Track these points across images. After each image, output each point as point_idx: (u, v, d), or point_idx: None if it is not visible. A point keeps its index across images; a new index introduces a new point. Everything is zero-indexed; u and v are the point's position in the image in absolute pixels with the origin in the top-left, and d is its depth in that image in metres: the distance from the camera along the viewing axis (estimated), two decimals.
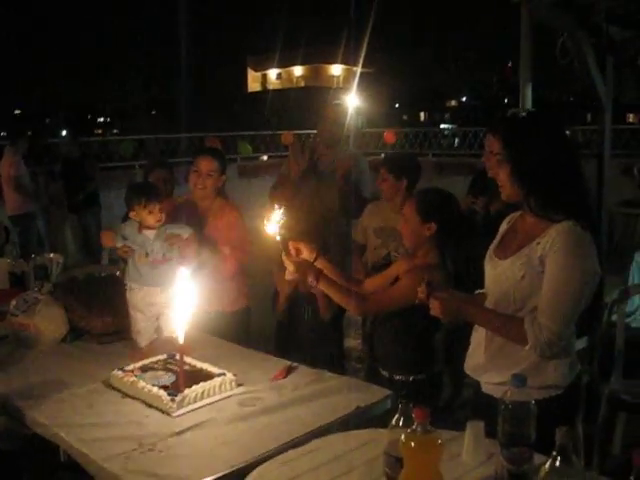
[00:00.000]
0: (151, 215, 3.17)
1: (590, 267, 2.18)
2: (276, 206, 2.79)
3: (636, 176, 10.21)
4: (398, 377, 2.98)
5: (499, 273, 2.33)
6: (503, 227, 2.50)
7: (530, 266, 2.22)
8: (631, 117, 42.51)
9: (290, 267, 2.80)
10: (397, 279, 3.01)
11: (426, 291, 2.37)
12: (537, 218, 2.27)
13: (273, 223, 2.76)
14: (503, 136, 2.27)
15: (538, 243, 2.22)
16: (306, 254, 2.91)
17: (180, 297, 2.64)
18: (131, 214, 3.21)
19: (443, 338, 3.06)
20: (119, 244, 3.22)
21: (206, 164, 3.70)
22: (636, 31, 4.98)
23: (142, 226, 3.19)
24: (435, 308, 2.34)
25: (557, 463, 1.56)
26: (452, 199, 2.99)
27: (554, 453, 1.57)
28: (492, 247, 2.46)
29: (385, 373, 3.04)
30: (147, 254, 3.17)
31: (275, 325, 4.14)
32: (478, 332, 2.41)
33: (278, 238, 2.78)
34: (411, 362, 2.99)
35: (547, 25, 4.67)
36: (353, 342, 5.47)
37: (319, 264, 2.93)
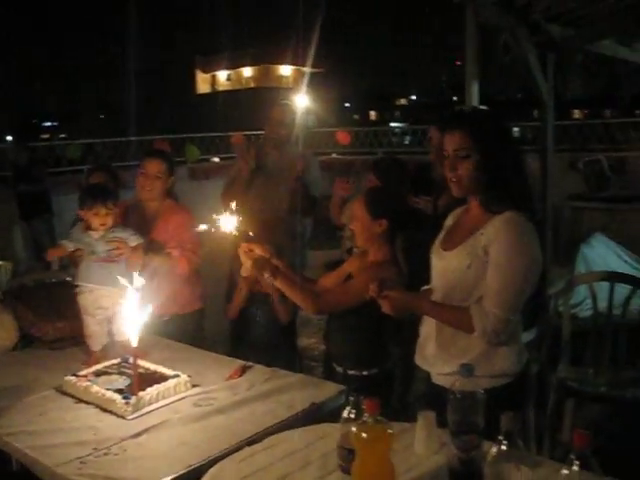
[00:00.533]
0: (96, 217, 3.17)
1: (534, 255, 2.26)
2: (231, 204, 2.79)
3: (581, 170, 10.47)
4: (352, 372, 3.01)
5: (445, 265, 2.39)
6: (449, 222, 2.57)
7: (475, 255, 2.28)
8: (577, 113, 43.47)
9: (247, 263, 2.81)
10: (350, 277, 3.05)
11: (377, 289, 2.42)
12: (481, 210, 2.34)
13: (229, 221, 2.77)
14: (471, 131, 2.32)
15: (482, 234, 2.28)
16: (259, 251, 2.93)
17: (132, 300, 2.64)
18: (80, 213, 3.23)
19: (395, 333, 3.11)
20: (71, 248, 3.23)
21: (153, 166, 3.69)
22: (575, 29, 5.13)
23: (88, 227, 3.18)
24: (386, 305, 2.39)
25: (503, 447, 1.62)
26: (401, 196, 3.06)
27: (500, 438, 1.63)
28: (438, 241, 2.53)
29: (340, 369, 3.07)
30: (93, 252, 3.17)
31: (229, 326, 4.14)
32: (427, 324, 2.47)
33: (235, 234, 2.79)
34: (364, 357, 3.03)
35: (490, 24, 4.78)
36: (307, 341, 5.50)
37: (273, 261, 2.96)
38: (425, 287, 2.59)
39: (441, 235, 2.54)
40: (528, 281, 2.25)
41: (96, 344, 3.13)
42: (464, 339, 2.32)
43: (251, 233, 2.89)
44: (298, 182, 4.16)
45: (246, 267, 2.81)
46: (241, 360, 3.04)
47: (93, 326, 3.14)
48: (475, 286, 2.30)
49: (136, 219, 3.64)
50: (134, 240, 3.27)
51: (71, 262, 3.40)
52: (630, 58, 6.40)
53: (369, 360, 3.03)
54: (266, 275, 2.83)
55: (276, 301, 3.57)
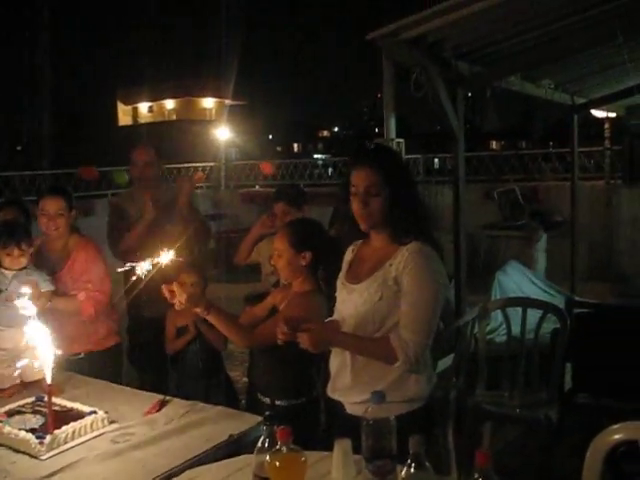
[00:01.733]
0: (9, 257, 3.13)
1: (441, 280, 2.39)
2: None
3: (496, 200, 10.82)
4: (279, 402, 3.02)
5: (355, 297, 2.46)
6: (348, 256, 2.63)
7: (386, 287, 2.36)
8: (494, 144, 44.97)
9: (182, 297, 2.77)
10: (274, 309, 3.08)
11: (287, 329, 2.45)
12: (387, 242, 2.43)
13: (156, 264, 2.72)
14: (381, 167, 2.39)
15: (391, 265, 2.37)
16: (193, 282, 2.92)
17: (38, 339, 2.60)
18: None
19: (319, 362, 3.14)
20: None
21: (53, 204, 3.60)
22: (483, 66, 5.37)
23: (1, 265, 3.13)
24: (304, 341, 2.42)
25: (412, 470, 1.67)
26: (321, 227, 3.12)
27: (408, 461, 1.68)
28: (342, 275, 2.60)
29: (267, 400, 3.06)
30: (0, 291, 3.11)
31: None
32: (339, 355, 2.52)
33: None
34: (291, 387, 3.04)
35: (402, 61, 4.95)
36: (230, 374, 5.47)
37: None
38: (329, 319, 2.65)
39: (343, 270, 2.61)
40: (439, 306, 2.37)
41: (1, 383, 3.05)
42: (377, 368, 2.38)
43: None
44: (190, 208, 4.17)
45: (180, 301, 2.76)
46: (162, 395, 3.01)
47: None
48: (388, 316, 2.37)
49: (45, 257, 3.59)
50: (45, 286, 3.25)
51: None
52: (536, 93, 6.74)
53: (296, 390, 3.04)
54: (199, 309, 2.82)
55: (206, 331, 3.58)
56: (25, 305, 2.98)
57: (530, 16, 4.71)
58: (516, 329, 4.18)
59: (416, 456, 1.68)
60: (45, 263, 3.50)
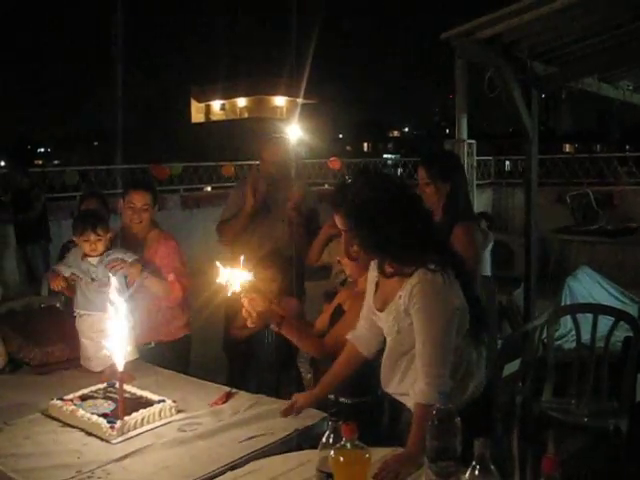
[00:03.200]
0: (86, 244, 3.25)
1: (447, 306, 2.28)
2: (241, 259, 2.73)
3: (569, 204, 10.59)
4: (343, 399, 3.03)
5: (382, 324, 2.46)
6: (373, 274, 2.56)
7: (400, 319, 2.34)
8: (567, 147, 43.95)
9: (253, 314, 2.77)
10: (339, 308, 3.09)
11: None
12: (395, 270, 2.38)
13: (232, 275, 2.71)
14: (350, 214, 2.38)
15: (400, 297, 2.33)
16: (260, 304, 2.87)
17: (119, 326, 2.68)
18: (74, 238, 3.32)
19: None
20: (67, 273, 3.30)
21: (140, 198, 3.71)
22: (558, 67, 5.25)
23: (84, 253, 3.25)
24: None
25: (476, 472, 1.66)
26: None
27: (473, 463, 1.67)
28: (369, 295, 2.57)
29: (331, 396, 3.07)
30: (92, 279, 3.24)
31: (230, 350, 4.11)
32: (388, 359, 2.51)
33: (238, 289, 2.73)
34: (355, 385, 3.05)
35: (475, 61, 4.89)
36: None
37: (277, 309, 2.95)
38: (348, 336, 2.66)
39: (371, 289, 2.57)
40: (449, 331, 2.28)
41: (97, 366, 3.16)
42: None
43: (252, 275, 2.83)
44: (295, 214, 4.15)
45: (252, 318, 2.79)
46: (228, 387, 3.06)
47: (92, 349, 3.19)
48: (411, 344, 2.34)
49: (125, 248, 3.68)
50: (130, 257, 3.35)
51: (63, 288, 3.44)
52: (613, 95, 6.56)
53: (360, 388, 3.04)
54: (272, 326, 2.86)
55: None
56: (119, 287, 3.11)
57: (608, 16, 4.59)
58: (586, 336, 4.08)
59: (481, 458, 1.66)
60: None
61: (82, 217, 3.45)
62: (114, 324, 2.71)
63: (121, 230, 3.82)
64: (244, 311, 2.81)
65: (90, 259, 3.28)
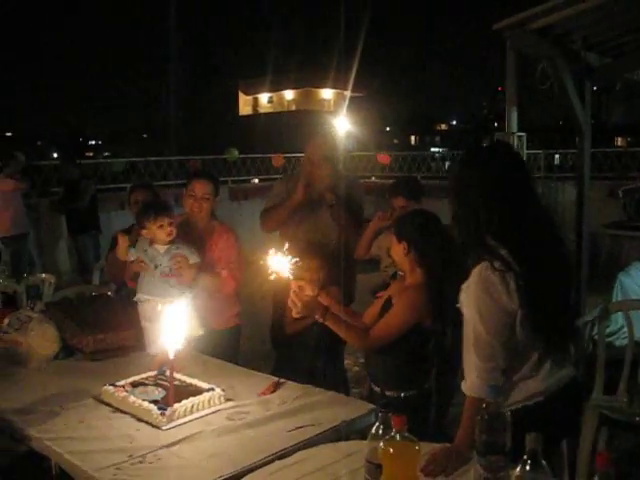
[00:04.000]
0: (161, 229, 3.33)
1: (491, 306, 2.20)
2: (285, 246, 2.79)
3: (620, 198, 10.36)
4: (389, 393, 3.02)
5: None
6: None
7: (463, 309, 2.31)
8: (619, 140, 42.98)
9: (298, 304, 2.82)
10: (389, 300, 3.08)
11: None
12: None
13: (282, 262, 2.77)
14: None
15: (462, 288, 2.30)
16: (309, 291, 2.93)
17: (176, 315, 2.73)
18: (143, 232, 3.38)
19: (432, 356, 3.13)
20: (132, 257, 3.40)
21: (201, 187, 3.76)
22: (613, 58, 5.14)
23: (153, 241, 3.35)
24: None
25: (527, 467, 1.64)
26: (430, 219, 3.07)
27: (524, 458, 1.65)
28: None
29: (377, 389, 3.08)
30: (155, 267, 3.33)
31: (279, 340, 4.14)
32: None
33: (287, 276, 2.78)
34: (403, 379, 3.04)
35: (528, 52, 4.81)
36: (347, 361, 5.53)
37: (322, 299, 3.01)
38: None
39: None
40: (500, 330, 2.21)
41: (156, 348, 3.19)
42: None
43: (299, 263, 2.86)
44: (331, 195, 4.13)
45: (297, 309, 2.82)
46: (277, 377, 3.09)
47: (152, 333, 3.24)
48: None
49: (184, 238, 3.71)
50: (193, 258, 3.42)
51: (125, 274, 3.53)
52: None
53: (407, 381, 3.04)
54: (317, 317, 2.87)
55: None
56: (178, 278, 3.25)
57: None
58: (638, 333, 3.99)
59: (533, 454, 1.64)
60: (186, 241, 3.61)
61: (153, 205, 3.52)
62: (173, 311, 2.76)
63: (181, 220, 3.86)
64: (289, 301, 2.85)
65: (158, 247, 3.36)
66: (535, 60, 4.86)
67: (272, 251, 2.76)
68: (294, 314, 2.85)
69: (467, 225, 2.28)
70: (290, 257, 2.78)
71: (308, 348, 3.71)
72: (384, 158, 16.07)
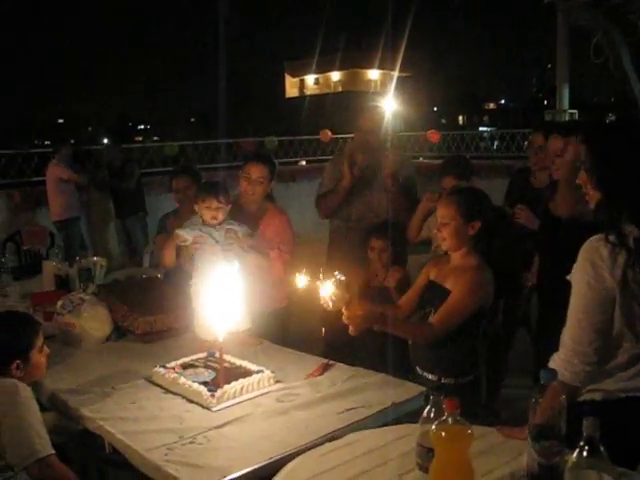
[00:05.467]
0: (208, 210, 3.34)
1: (591, 278, 2.04)
2: (337, 275, 2.62)
3: None
4: (445, 381, 2.91)
5: None
6: None
7: None
8: None
9: (355, 324, 2.67)
10: (427, 284, 3.02)
11: None
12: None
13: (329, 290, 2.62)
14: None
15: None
16: (356, 308, 2.71)
17: (227, 296, 2.73)
18: (195, 206, 3.42)
19: (484, 342, 3.06)
20: (190, 236, 3.35)
21: (256, 171, 3.76)
22: None
23: (203, 221, 3.37)
24: None
25: (584, 454, 1.59)
26: (487, 198, 3.01)
27: (581, 444, 1.60)
28: None
29: (433, 377, 2.95)
30: (216, 242, 3.33)
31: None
32: None
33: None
34: (458, 366, 2.97)
35: (582, 26, 4.67)
36: None
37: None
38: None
39: None
40: (590, 308, 2.05)
41: (206, 333, 3.16)
42: None
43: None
44: (391, 181, 4.09)
45: (355, 326, 2.72)
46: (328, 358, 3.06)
47: (203, 315, 3.22)
48: None
49: (235, 219, 3.72)
50: (244, 231, 3.42)
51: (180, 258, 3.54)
52: None
53: (463, 368, 2.94)
54: (376, 327, 2.77)
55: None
56: (232, 257, 3.25)
57: None
58: None
59: (590, 440, 1.59)
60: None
61: (206, 185, 3.56)
62: (226, 293, 2.77)
63: (234, 201, 3.86)
64: (345, 320, 2.68)
65: (209, 227, 3.37)
66: (588, 34, 4.72)
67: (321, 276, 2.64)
68: (351, 333, 2.72)
69: (613, 208, 2.06)
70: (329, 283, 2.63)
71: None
72: (434, 136, 15.80)
